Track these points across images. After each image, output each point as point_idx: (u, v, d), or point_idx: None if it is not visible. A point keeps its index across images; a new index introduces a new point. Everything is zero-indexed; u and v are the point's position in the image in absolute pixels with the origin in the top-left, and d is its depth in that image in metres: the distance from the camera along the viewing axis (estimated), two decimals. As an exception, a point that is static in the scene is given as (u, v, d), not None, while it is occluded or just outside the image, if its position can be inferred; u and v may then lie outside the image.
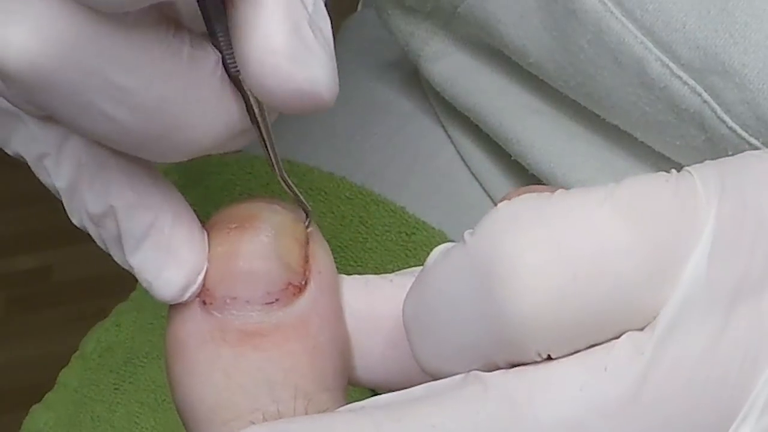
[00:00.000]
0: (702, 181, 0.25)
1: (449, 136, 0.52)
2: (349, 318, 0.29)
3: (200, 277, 0.27)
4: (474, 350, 0.25)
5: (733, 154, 0.38)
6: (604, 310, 0.24)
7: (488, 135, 0.48)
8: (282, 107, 0.26)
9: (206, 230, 0.28)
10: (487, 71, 0.47)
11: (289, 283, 0.27)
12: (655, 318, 0.24)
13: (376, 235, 0.50)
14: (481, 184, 0.50)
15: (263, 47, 0.25)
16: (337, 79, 0.26)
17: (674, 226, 0.24)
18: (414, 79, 0.54)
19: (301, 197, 0.29)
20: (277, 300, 0.27)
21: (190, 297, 0.27)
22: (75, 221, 0.29)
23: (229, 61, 0.26)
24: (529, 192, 0.27)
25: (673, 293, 0.24)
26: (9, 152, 0.30)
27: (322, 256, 0.28)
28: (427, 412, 0.24)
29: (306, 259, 0.28)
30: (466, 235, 0.25)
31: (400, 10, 0.48)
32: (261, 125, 0.27)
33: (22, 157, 0.29)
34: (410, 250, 0.49)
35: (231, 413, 0.26)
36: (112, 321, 0.55)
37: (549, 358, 0.24)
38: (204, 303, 0.27)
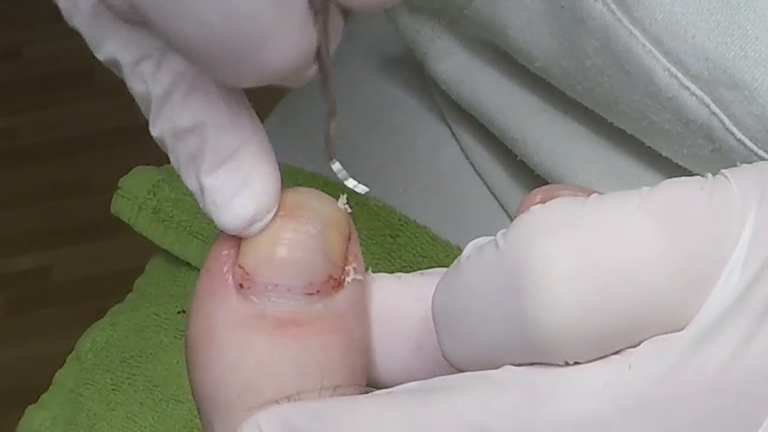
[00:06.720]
0: (739, 186, 0.24)
1: (453, 134, 0.52)
2: (371, 316, 0.29)
3: (269, 216, 0.27)
4: (501, 349, 0.25)
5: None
6: (633, 320, 0.23)
7: (493, 134, 0.48)
8: None
9: None
10: (493, 71, 0.47)
11: (330, 277, 0.27)
12: (684, 326, 0.24)
13: (362, 239, 0.50)
14: (485, 182, 0.50)
15: None
16: None
17: (708, 235, 0.24)
18: (419, 76, 0.53)
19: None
20: (318, 291, 0.27)
21: (252, 231, 0.27)
22: (154, 132, 0.28)
23: None
24: (563, 191, 0.27)
25: (705, 303, 0.24)
26: (99, 57, 0.29)
27: (358, 253, 0.28)
28: (453, 399, 0.24)
29: (346, 255, 0.28)
30: (499, 235, 0.25)
31: (407, 8, 0.48)
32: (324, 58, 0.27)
33: (113, 62, 0.28)
34: (395, 252, 0.49)
35: (257, 400, 0.26)
36: (107, 321, 0.55)
37: (576, 363, 0.24)
38: (241, 287, 0.27)
